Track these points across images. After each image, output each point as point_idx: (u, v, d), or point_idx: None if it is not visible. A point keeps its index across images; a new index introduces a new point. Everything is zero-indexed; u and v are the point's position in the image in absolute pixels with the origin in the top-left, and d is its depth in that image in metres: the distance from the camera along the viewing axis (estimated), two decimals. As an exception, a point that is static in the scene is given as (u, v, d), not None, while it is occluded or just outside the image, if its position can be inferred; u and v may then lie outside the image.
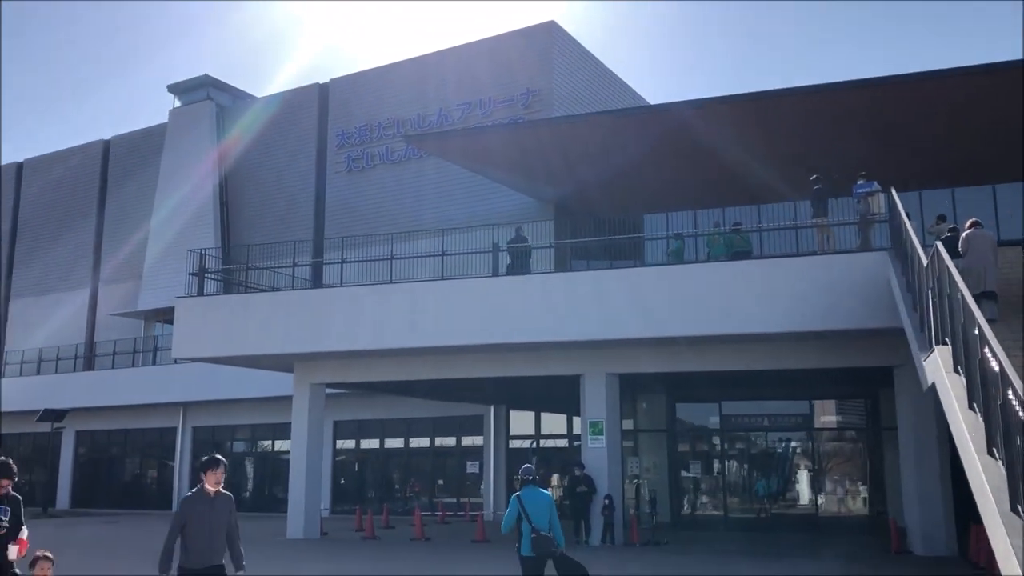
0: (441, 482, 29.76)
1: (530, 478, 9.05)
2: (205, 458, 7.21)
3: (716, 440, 23.51)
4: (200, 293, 20.63)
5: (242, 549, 7.19)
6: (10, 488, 7.21)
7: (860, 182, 16.82)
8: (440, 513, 25.96)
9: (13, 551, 7.04)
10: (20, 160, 43.27)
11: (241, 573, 7.14)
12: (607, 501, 18.23)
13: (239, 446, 33.76)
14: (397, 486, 30.43)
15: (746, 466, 23.53)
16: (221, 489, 7.19)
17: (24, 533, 7.21)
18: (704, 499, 23.81)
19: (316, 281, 25.30)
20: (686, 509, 23.72)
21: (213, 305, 20.45)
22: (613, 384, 18.99)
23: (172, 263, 34.87)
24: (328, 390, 22.39)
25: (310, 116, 33.84)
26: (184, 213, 35.35)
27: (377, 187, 31.51)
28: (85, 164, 40.24)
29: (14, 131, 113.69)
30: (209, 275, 20.86)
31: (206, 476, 7.11)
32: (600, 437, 18.60)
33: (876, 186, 16.62)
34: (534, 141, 23.70)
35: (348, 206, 31.74)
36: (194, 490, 7.20)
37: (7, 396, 35.91)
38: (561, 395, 24.91)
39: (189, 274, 20.63)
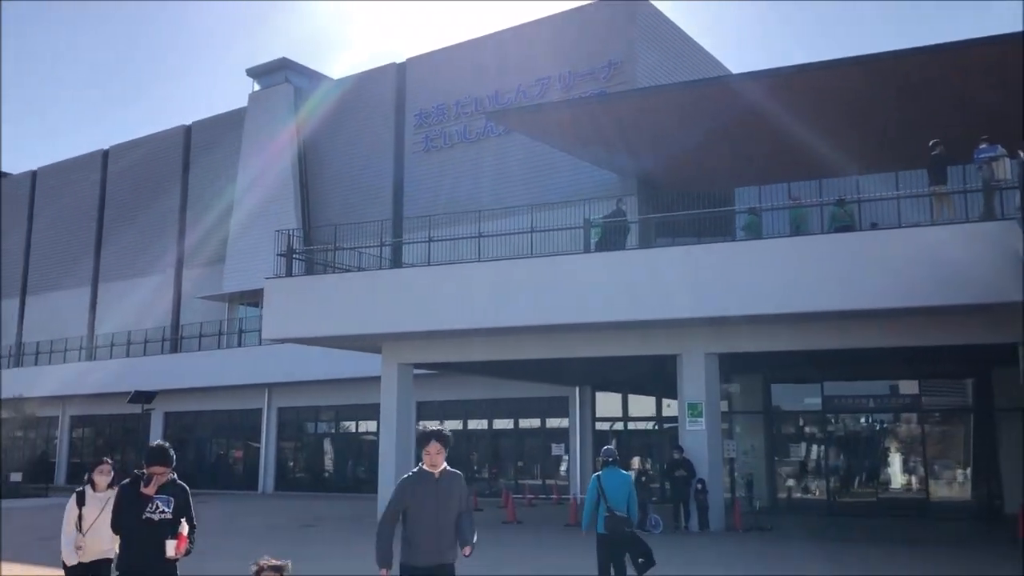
0: (520, 464, 29.41)
1: (610, 460, 9.39)
2: (420, 430, 5.99)
3: (817, 422, 22.56)
4: (288, 274, 20.51)
5: (474, 531, 6.00)
6: (174, 476, 6.35)
7: (983, 146, 15.69)
8: (527, 496, 25.57)
9: (171, 547, 5.96)
10: (105, 147, 44.16)
11: (468, 549, 5.92)
12: (700, 485, 17.56)
13: (323, 427, 33.94)
14: (475, 467, 30.17)
15: (849, 449, 22.53)
16: (448, 467, 6.00)
17: (184, 528, 6.09)
18: (803, 483, 22.91)
19: (396, 262, 25.07)
20: (783, 494, 22.87)
21: (303, 286, 20.31)
22: (712, 364, 18.26)
23: (255, 246, 35.17)
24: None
25: (387, 96, 33.62)
26: (265, 196, 35.59)
27: (455, 166, 31.12)
28: (167, 150, 40.82)
29: (101, 119, 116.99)
30: (297, 256, 20.71)
31: (426, 453, 5.88)
32: (699, 420, 17.91)
33: (1001, 150, 15.47)
34: (617, 113, 22.94)
35: (426, 186, 31.45)
36: (414, 471, 6.00)
37: (98, 378, 36.81)
38: (649, 376, 24.27)
39: (277, 255, 20.52)
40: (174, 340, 37.76)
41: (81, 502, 7.36)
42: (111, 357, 38.35)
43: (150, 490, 6.04)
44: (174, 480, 6.29)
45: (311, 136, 35.44)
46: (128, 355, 37.73)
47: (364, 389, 30.82)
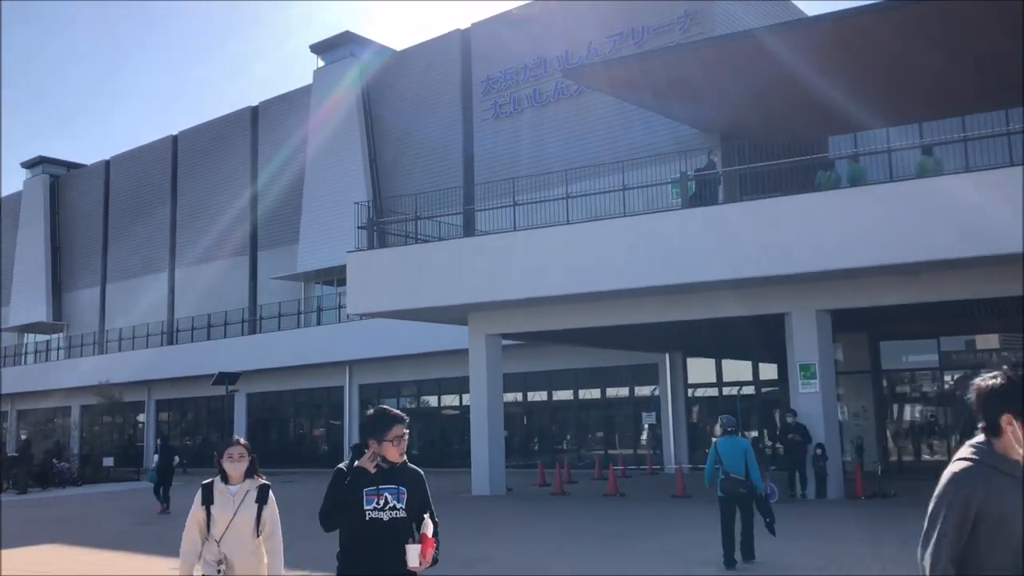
0: (600, 434, 28.63)
1: (730, 428, 10.04)
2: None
3: (933, 380, 21.24)
4: (370, 247, 19.95)
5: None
6: (402, 455, 4.46)
7: None
8: (621, 467, 24.74)
9: (414, 555, 4.18)
10: (174, 133, 44.32)
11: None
12: (819, 451, 16.53)
13: (404, 403, 33.62)
14: (564, 439, 29.49)
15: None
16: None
17: (429, 527, 4.33)
18: (918, 445, 21.65)
19: (469, 232, 24.32)
20: (895, 457, 21.65)
21: (386, 258, 19.73)
22: (824, 322, 17.15)
23: (327, 223, 34.89)
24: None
25: (452, 64, 32.81)
26: (334, 172, 35.22)
27: (526, 131, 30.22)
28: (234, 131, 40.71)
29: (170, 106, 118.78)
30: (378, 228, 20.11)
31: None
32: (812, 382, 16.85)
33: None
34: (699, 63, 21.68)
35: (497, 152, 30.62)
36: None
37: (180, 361, 37.09)
38: (744, 340, 23.20)
39: (357, 227, 19.95)
40: (252, 321, 37.82)
41: (208, 499, 5.44)
42: (192, 340, 38.62)
43: (369, 465, 4.34)
44: (405, 464, 4.49)
45: (377, 109, 34.89)
46: (208, 338, 37.93)
47: (445, 363, 30.39)
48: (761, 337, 22.90)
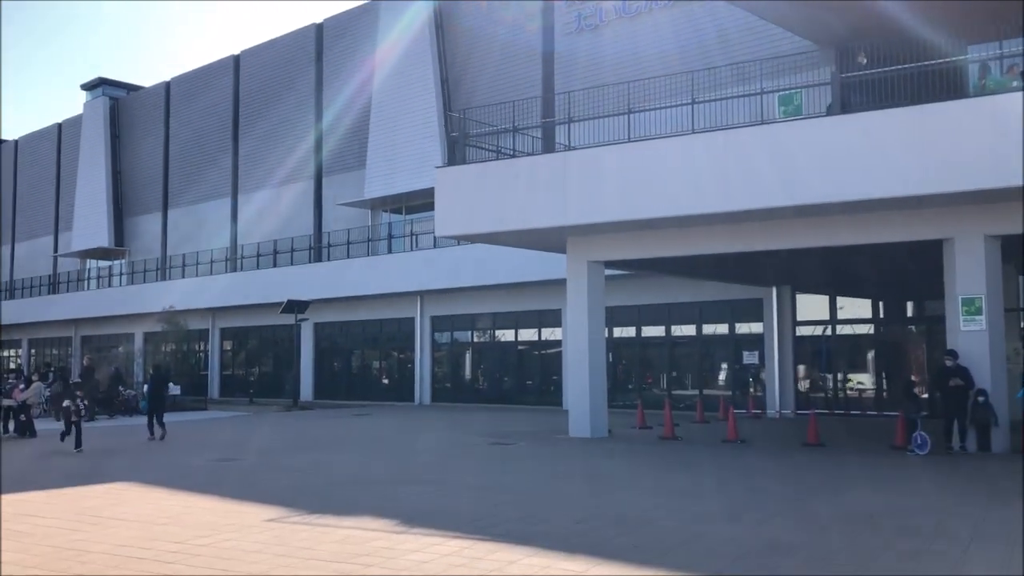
0: (695, 374, 26.64)
1: None
2: None
3: None
4: (463, 162, 17.94)
5: None
6: None
7: None
8: (740, 411, 22.65)
9: None
10: (236, 52, 42.49)
11: None
12: (981, 398, 14.33)
13: (478, 336, 31.98)
14: (654, 379, 27.58)
15: None
16: None
17: None
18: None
19: (548, 147, 22.02)
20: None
21: (481, 174, 17.70)
22: (994, 250, 14.78)
23: (396, 148, 32.96)
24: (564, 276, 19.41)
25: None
26: (404, 95, 33.08)
27: (612, 45, 27.69)
28: (299, 50, 38.67)
29: (232, 26, 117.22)
30: (470, 140, 18.03)
31: None
32: (978, 318, 14.56)
33: None
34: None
35: (580, 68, 28.07)
36: None
37: (245, 289, 35.84)
38: (860, 274, 20.89)
39: (449, 137, 17.89)
40: (318, 249, 36.32)
41: None
42: (257, 268, 37.30)
43: None
44: None
45: (450, 25, 32.48)
46: (274, 265, 36.55)
47: (522, 295, 28.63)
48: (876, 272, 20.62)
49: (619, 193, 16.13)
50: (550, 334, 28.98)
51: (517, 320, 30.09)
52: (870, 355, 24.25)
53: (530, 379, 30.29)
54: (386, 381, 34.42)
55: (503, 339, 31.08)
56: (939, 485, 11.41)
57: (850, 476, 12.29)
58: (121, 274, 45.99)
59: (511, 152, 18.39)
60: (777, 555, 7.36)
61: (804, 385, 24.42)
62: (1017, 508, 9.34)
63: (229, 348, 40.39)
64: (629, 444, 16.83)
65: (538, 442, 17.38)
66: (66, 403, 16.97)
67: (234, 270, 39.11)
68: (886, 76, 15.34)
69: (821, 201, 14.71)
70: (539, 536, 8.11)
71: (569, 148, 17.49)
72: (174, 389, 29.17)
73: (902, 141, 14.15)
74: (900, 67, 15.78)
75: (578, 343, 18.40)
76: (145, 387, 20.98)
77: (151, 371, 21.46)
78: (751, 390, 24.73)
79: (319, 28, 38.34)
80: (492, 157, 18.32)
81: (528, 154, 18.56)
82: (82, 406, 16.94)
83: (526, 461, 14.76)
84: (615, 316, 27.21)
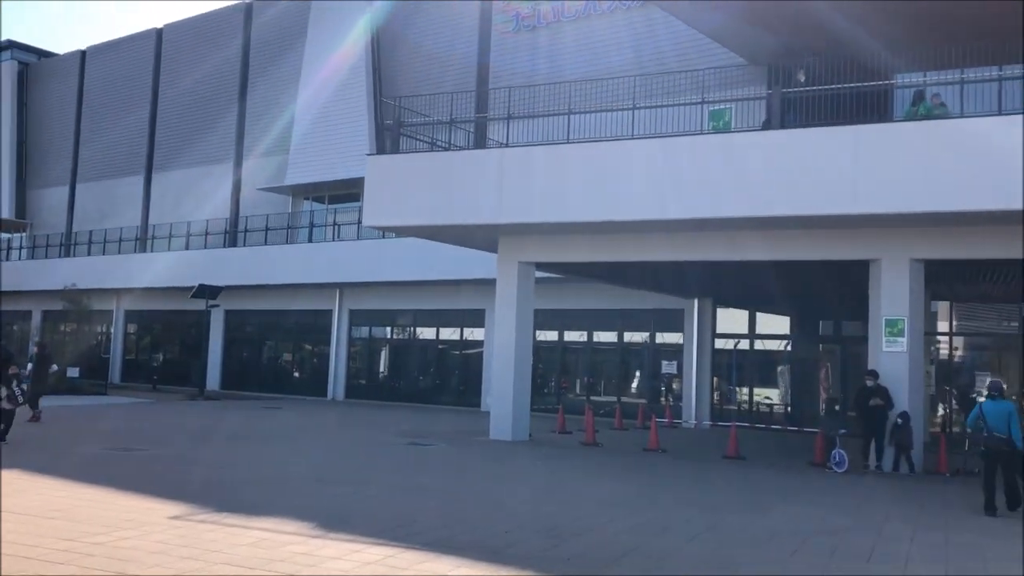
0: (614, 381, 26.62)
1: (996, 393, 11.11)
2: None
3: (1014, 346, 19.34)
4: (396, 151, 17.37)
5: None
6: None
7: None
8: (647, 418, 22.66)
9: None
10: (159, 26, 40.78)
11: None
12: (900, 420, 14.50)
13: (398, 333, 31.31)
14: (570, 383, 27.43)
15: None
16: None
17: None
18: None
19: (479, 142, 21.62)
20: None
21: (413, 165, 17.16)
22: (918, 273, 15.02)
23: (322, 136, 32.04)
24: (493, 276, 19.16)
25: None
26: (334, 82, 32.17)
27: (550, 49, 27.48)
28: (226, 28, 37.28)
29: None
30: (404, 128, 17.48)
31: None
32: (900, 340, 14.76)
33: None
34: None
35: (515, 71, 27.75)
36: None
37: (154, 271, 34.34)
38: (781, 291, 21.10)
39: (383, 126, 17.35)
40: (233, 234, 35.02)
41: None
42: (169, 249, 35.76)
43: None
44: None
45: (386, 18, 31.69)
46: (187, 248, 35.09)
47: (444, 293, 28.13)
48: (796, 289, 20.82)
49: (555, 194, 15.83)
50: (471, 334, 28.55)
51: (439, 318, 29.56)
52: (785, 371, 24.58)
53: (449, 379, 29.80)
54: (298, 374, 33.42)
55: (424, 337, 30.49)
56: (870, 504, 11.39)
57: (776, 491, 12.23)
58: (21, 247, 43.56)
59: (446, 145, 17.92)
60: (718, 572, 7.11)
61: (719, 397, 24.64)
62: (944, 530, 9.36)
63: (134, 332, 38.66)
64: (551, 449, 16.53)
65: (458, 444, 16.93)
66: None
67: (143, 250, 37.44)
68: (816, 95, 15.51)
69: (750, 215, 14.72)
70: (467, 546, 7.69)
71: (506, 146, 17.13)
72: (72, 371, 27.72)
73: (834, 160, 14.26)
74: (831, 87, 15.95)
75: (505, 345, 18.04)
76: (29, 366, 19.71)
77: (36, 350, 20.55)
78: (668, 399, 24.80)
79: (248, 7, 37.05)
80: (426, 149, 17.83)
81: (465, 148, 18.13)
82: (18, 392, 15.06)
83: (447, 463, 14.30)
84: (537, 319, 26.98)
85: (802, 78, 16.08)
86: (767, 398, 24.55)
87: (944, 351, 20.45)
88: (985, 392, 11.45)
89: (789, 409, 23.79)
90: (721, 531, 8.88)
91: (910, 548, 8.39)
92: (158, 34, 40.23)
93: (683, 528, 8.93)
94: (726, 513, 9.94)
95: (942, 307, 21.19)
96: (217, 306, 30.91)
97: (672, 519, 9.44)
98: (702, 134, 15.62)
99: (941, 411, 21.05)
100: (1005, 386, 12.33)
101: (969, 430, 11.53)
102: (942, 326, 21.17)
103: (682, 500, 10.89)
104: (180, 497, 9.58)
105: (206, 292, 29.10)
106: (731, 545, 8.21)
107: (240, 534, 7.88)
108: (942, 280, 17.08)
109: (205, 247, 34.56)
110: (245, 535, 7.84)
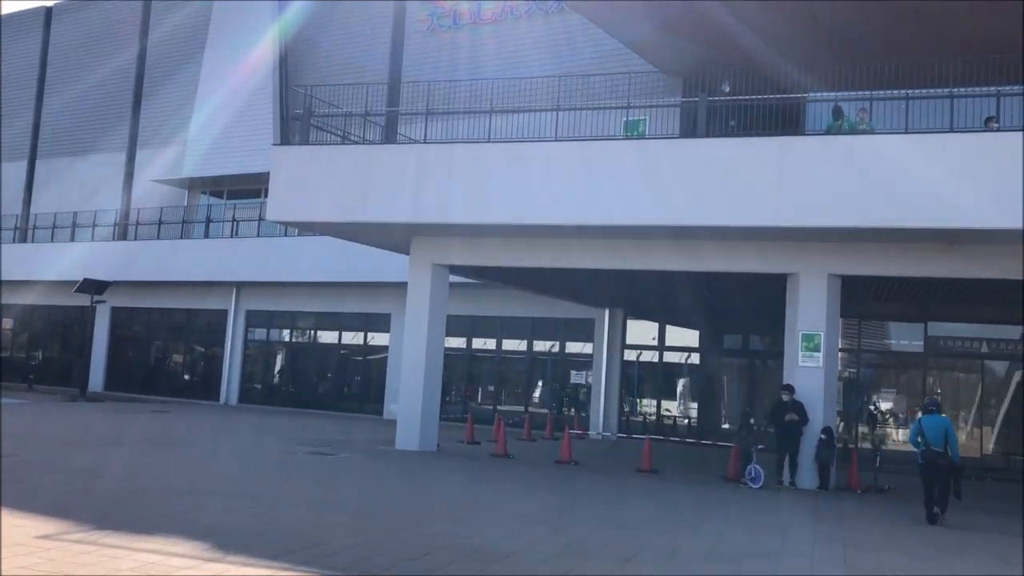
0: (520, 390, 26.19)
1: (932, 408, 11.76)
2: None
3: (918, 364, 19.66)
4: (305, 142, 16.44)
5: None
6: None
7: None
8: (555, 429, 22.22)
9: None
10: (48, 3, 38.31)
11: None
12: (823, 436, 14.36)
13: (297, 336, 30.06)
14: (475, 392, 26.82)
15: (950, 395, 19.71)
16: None
17: None
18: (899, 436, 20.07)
19: (390, 137, 20.87)
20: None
21: (325, 158, 16.25)
22: (835, 288, 15.02)
23: (223, 127, 30.57)
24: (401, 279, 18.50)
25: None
26: (237, 72, 30.74)
27: (465, 50, 26.92)
28: (122, 7, 35.29)
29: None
30: (315, 119, 16.57)
31: None
32: (816, 355, 14.72)
33: None
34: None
35: (429, 72, 27.04)
36: None
37: (34, 263, 32.10)
38: (692, 304, 21.04)
39: (291, 117, 16.43)
40: (123, 226, 33.05)
41: None
42: (52, 240, 33.48)
43: None
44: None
45: (295, 10, 30.48)
46: (73, 239, 32.90)
47: (350, 296, 27.14)
48: (705, 304, 20.81)
49: (476, 194, 15.25)
50: (374, 339, 27.60)
51: (342, 322, 28.49)
52: (693, 384, 24.57)
53: (350, 385, 28.77)
54: (189, 377, 31.71)
55: (324, 340, 29.34)
56: (795, 522, 11.14)
57: (697, 508, 11.87)
58: None
59: (359, 139, 17.09)
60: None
61: (627, 408, 24.44)
62: (877, 552, 9.14)
63: (10, 327, 36.05)
64: (462, 461, 15.86)
65: (363, 454, 16.07)
66: None
67: (24, 240, 34.98)
68: (736, 105, 15.44)
69: (667, 224, 14.49)
70: (385, 572, 6.95)
71: (425, 142, 16.43)
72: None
73: (759, 171, 14.13)
74: (751, 97, 15.87)
75: (415, 351, 17.29)
76: None
77: None
78: (577, 410, 24.46)
79: (148, -9, 35.14)
80: (337, 142, 16.95)
81: (380, 143, 17.34)
82: None
83: (354, 475, 13.46)
84: (446, 326, 26.30)
85: (727, 88, 15.92)
86: (673, 410, 24.48)
87: (852, 369, 20.73)
88: (924, 407, 12.08)
89: (695, 422, 23.79)
90: (653, 552, 8.40)
91: (846, 569, 8.09)
92: (47, 12, 37.82)
93: (613, 549, 8.41)
94: (652, 533, 9.48)
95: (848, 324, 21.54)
96: (103, 302, 29.06)
97: (599, 539, 8.91)
98: (619, 139, 15.29)
99: (852, 428, 21.32)
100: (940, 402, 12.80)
101: (914, 447, 11.72)
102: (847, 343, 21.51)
103: (605, 519, 10.38)
104: (53, 512, 8.51)
105: (91, 287, 27.28)
106: (667, 567, 7.73)
107: (122, 556, 6.94)
108: (853, 298, 17.18)
109: (92, 239, 32.47)
110: (128, 558, 6.91)
